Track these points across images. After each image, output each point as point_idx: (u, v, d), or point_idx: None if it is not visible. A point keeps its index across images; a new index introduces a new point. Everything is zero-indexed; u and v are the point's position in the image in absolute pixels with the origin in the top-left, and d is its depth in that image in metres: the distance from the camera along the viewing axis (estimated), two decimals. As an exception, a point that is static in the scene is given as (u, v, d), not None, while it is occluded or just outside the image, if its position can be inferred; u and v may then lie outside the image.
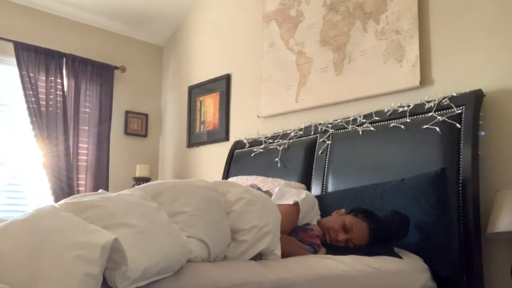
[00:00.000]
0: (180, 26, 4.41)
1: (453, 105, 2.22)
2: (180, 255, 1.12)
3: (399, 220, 1.86)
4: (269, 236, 1.43)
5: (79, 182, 3.78)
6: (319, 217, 1.99)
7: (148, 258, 1.00)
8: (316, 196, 2.51)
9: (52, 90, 3.67)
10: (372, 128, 2.49)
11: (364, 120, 2.57)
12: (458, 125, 2.15)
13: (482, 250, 2.06)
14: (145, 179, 3.95)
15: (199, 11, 4.19)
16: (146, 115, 4.41)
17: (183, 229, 1.23)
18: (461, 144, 2.12)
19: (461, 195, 2.05)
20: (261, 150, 3.07)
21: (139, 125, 4.35)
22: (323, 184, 2.63)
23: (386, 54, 2.63)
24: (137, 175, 3.98)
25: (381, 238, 1.83)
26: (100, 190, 1.33)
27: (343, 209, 1.95)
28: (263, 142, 3.15)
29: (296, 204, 1.77)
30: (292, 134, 2.97)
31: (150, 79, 4.51)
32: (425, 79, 2.47)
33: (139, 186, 1.41)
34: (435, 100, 2.31)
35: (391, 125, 2.41)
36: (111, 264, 0.94)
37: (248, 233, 1.40)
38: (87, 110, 3.90)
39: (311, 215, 1.88)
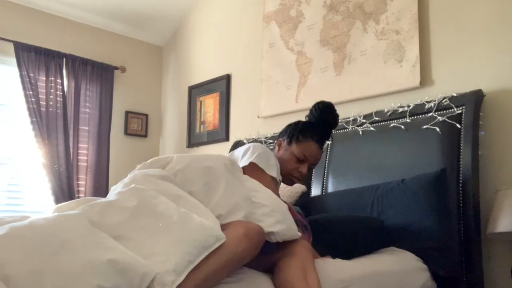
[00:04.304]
0: (180, 26, 4.41)
1: (453, 105, 2.22)
2: (204, 236, 1.12)
3: (323, 108, 1.77)
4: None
5: (79, 182, 3.78)
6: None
7: (174, 254, 1.03)
8: (316, 197, 2.52)
9: (52, 90, 3.67)
10: (372, 128, 2.49)
11: (364, 120, 2.57)
12: (458, 125, 2.15)
13: (482, 250, 2.06)
14: (145, 179, 3.94)
15: (199, 11, 4.19)
16: (146, 115, 4.41)
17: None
18: (461, 144, 2.12)
19: (461, 195, 2.05)
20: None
21: (139, 125, 4.35)
22: (323, 185, 2.63)
23: (386, 54, 2.63)
24: (137, 175, 3.98)
25: (328, 135, 1.79)
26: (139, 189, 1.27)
27: (280, 139, 1.80)
28: (263, 142, 3.15)
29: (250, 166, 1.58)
30: (292, 134, 2.97)
31: (150, 79, 4.51)
32: (425, 79, 2.48)
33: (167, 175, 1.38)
34: (435, 100, 2.31)
35: (391, 125, 2.41)
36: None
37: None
38: (87, 110, 3.90)
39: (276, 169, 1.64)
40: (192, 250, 1.07)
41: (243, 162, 1.61)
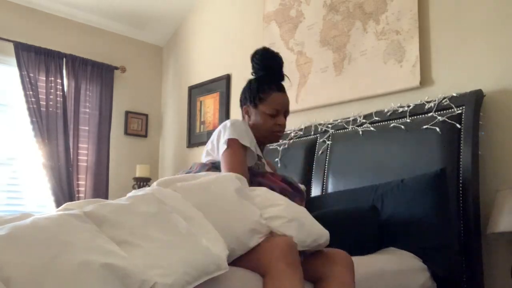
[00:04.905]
0: (180, 26, 4.41)
1: (453, 105, 2.22)
2: (206, 261, 1.12)
3: (261, 56, 1.78)
4: None
5: (79, 182, 3.78)
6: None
7: (175, 271, 1.02)
8: (316, 197, 2.52)
9: (52, 91, 3.67)
10: (372, 129, 2.49)
11: (364, 120, 2.57)
12: (458, 125, 2.15)
13: (482, 250, 2.06)
14: (145, 179, 3.95)
15: (199, 11, 4.19)
16: (146, 115, 4.41)
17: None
18: (461, 144, 2.12)
19: (461, 195, 2.05)
20: (261, 150, 3.07)
21: (139, 125, 4.35)
22: (323, 185, 2.63)
23: (386, 54, 2.63)
24: (137, 175, 3.98)
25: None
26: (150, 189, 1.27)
27: (244, 107, 1.80)
28: (263, 142, 3.14)
29: (227, 145, 1.61)
30: (292, 134, 2.97)
31: (150, 79, 4.51)
32: (425, 79, 2.48)
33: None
34: (435, 100, 2.31)
35: (391, 125, 2.41)
36: None
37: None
38: (87, 110, 3.90)
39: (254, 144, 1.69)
40: (192, 271, 1.06)
41: (221, 147, 1.64)
